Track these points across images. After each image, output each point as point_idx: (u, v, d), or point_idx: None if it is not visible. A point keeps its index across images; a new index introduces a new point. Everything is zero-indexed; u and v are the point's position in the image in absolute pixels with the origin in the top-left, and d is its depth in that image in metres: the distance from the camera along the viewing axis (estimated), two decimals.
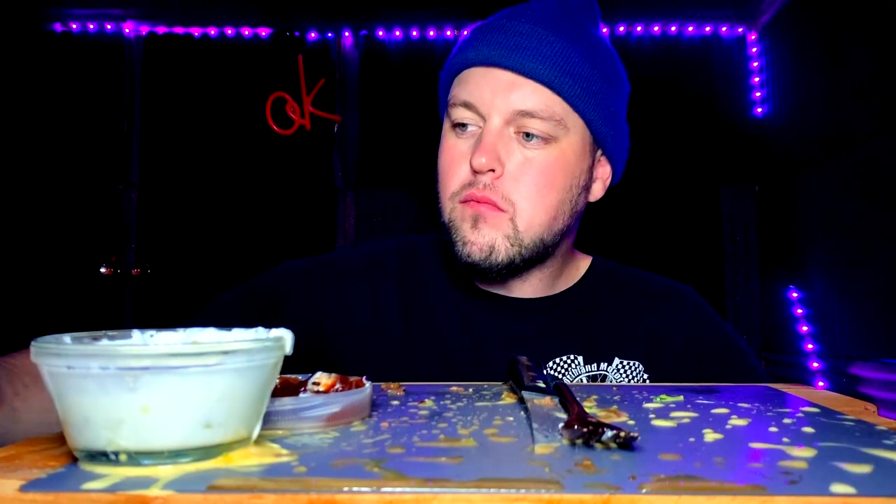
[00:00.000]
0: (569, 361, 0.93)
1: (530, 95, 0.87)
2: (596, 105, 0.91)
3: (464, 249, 0.88)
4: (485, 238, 0.88)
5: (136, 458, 0.41)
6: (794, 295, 2.98)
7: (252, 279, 1.00)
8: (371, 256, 1.03)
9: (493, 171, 0.86)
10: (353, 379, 0.59)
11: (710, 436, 0.49)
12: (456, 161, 0.91)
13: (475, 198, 0.87)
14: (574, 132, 0.90)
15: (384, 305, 0.98)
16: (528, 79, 0.87)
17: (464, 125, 0.90)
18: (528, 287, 0.97)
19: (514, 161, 0.87)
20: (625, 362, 0.94)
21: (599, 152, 0.95)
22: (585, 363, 0.93)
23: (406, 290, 0.99)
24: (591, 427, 0.45)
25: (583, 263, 1.04)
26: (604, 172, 0.98)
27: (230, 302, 0.97)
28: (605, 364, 0.94)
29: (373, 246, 1.06)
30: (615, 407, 0.61)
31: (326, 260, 1.03)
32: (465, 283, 0.98)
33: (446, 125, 0.94)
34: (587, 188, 0.95)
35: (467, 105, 0.89)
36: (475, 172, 0.87)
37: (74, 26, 3.47)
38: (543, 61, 0.87)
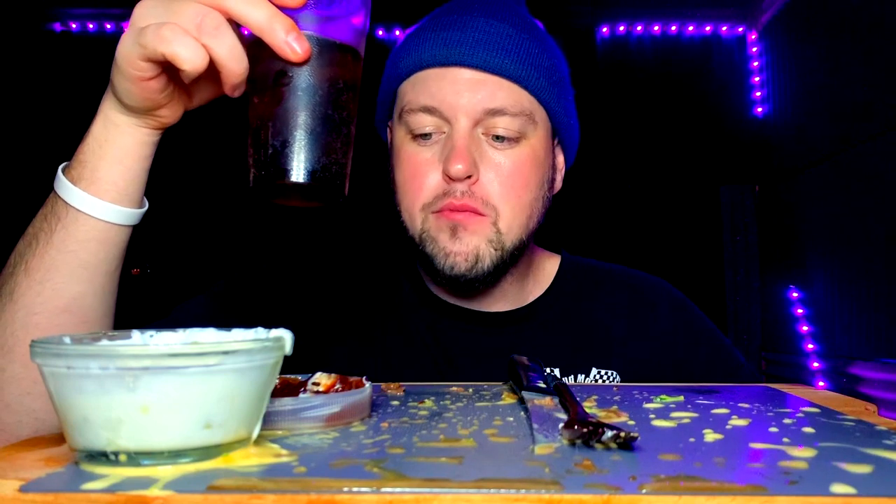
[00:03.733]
0: None
1: (498, 92, 0.83)
2: (557, 95, 0.88)
3: (446, 262, 0.84)
4: (468, 246, 0.83)
5: (135, 458, 0.41)
6: (794, 295, 2.98)
7: (214, 287, 0.96)
8: (338, 267, 0.99)
9: (469, 176, 0.82)
10: (352, 379, 0.59)
11: (710, 436, 0.49)
12: (422, 171, 0.85)
13: (453, 206, 0.83)
14: (541, 126, 0.87)
15: (351, 321, 0.94)
16: (492, 75, 0.83)
17: (427, 135, 0.84)
18: (500, 295, 0.93)
19: (488, 164, 0.84)
20: (602, 372, 0.92)
21: (556, 141, 0.93)
22: (562, 376, 0.91)
23: (375, 306, 0.96)
24: (591, 427, 0.45)
25: (549, 263, 1.00)
26: (560, 161, 0.95)
27: (192, 313, 0.92)
28: (583, 376, 0.92)
29: (341, 255, 1.02)
30: (615, 407, 0.61)
31: (293, 267, 0.99)
32: (434, 299, 0.95)
33: (399, 134, 0.88)
34: (552, 181, 0.93)
35: (429, 110, 0.84)
36: (451, 180, 0.82)
37: (74, 26, 3.47)
38: (508, 56, 0.83)
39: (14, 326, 0.64)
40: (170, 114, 0.64)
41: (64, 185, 0.64)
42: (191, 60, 0.53)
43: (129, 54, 0.56)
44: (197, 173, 3.39)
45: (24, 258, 0.65)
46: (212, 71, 0.55)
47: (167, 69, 0.58)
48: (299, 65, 0.55)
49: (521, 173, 0.85)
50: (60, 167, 0.66)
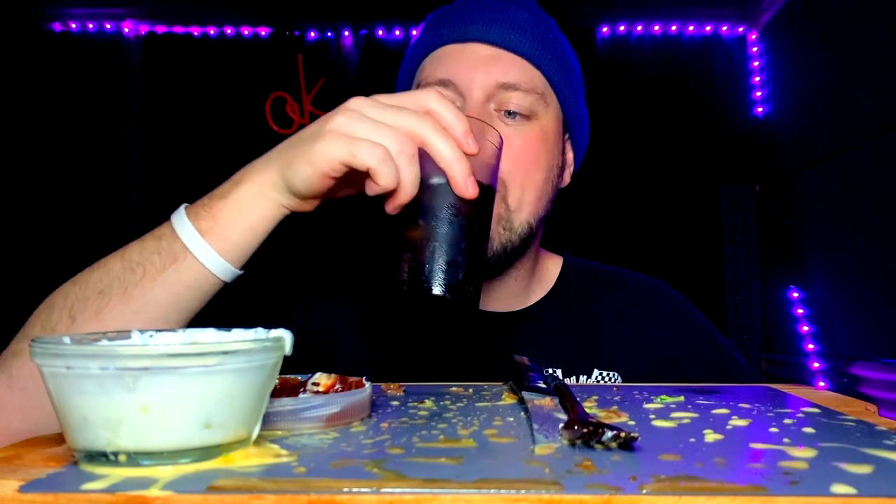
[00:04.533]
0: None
1: (511, 68, 0.85)
2: (569, 82, 0.90)
3: None
4: None
5: (135, 458, 0.41)
6: (795, 295, 2.98)
7: None
8: (338, 264, 1.00)
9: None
10: (352, 379, 0.59)
11: (710, 436, 0.49)
12: None
13: None
14: (552, 109, 0.89)
15: (351, 319, 0.95)
16: (507, 52, 0.86)
17: None
18: (504, 293, 0.94)
19: None
20: (604, 373, 0.92)
21: (567, 136, 0.94)
22: (564, 376, 0.91)
23: (376, 304, 0.96)
24: (591, 427, 0.45)
25: (553, 264, 1.01)
26: (570, 158, 0.97)
27: None
28: (585, 377, 0.92)
29: (341, 252, 1.03)
30: (615, 407, 0.61)
31: (292, 265, 0.99)
32: None
33: None
34: (561, 170, 0.94)
35: (444, 83, 0.86)
36: None
37: (73, 26, 3.47)
38: (523, 34, 0.86)
39: None
40: (315, 204, 0.69)
41: (190, 233, 0.66)
42: (387, 180, 0.61)
43: (333, 156, 0.62)
44: (197, 174, 3.40)
45: (124, 284, 0.67)
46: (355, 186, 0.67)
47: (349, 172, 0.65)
48: (465, 202, 0.64)
49: (531, 150, 0.86)
50: (184, 207, 0.69)
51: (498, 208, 0.84)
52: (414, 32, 3.47)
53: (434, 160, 0.63)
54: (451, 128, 0.63)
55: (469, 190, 0.62)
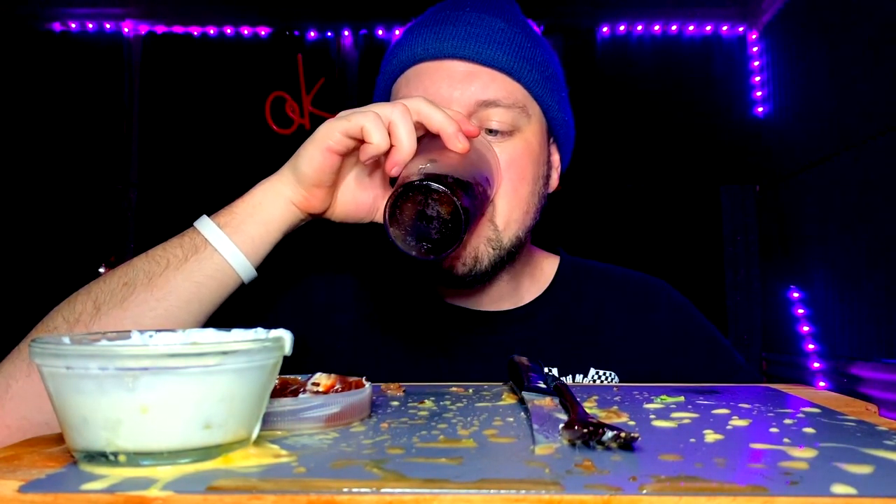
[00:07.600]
0: None
1: (490, 84, 0.83)
2: (551, 90, 0.89)
3: (443, 264, 0.83)
4: (466, 248, 0.83)
5: (135, 458, 0.41)
6: (795, 295, 2.98)
7: None
8: (335, 266, 0.99)
9: None
10: (352, 380, 0.59)
11: (710, 436, 0.49)
12: None
13: None
14: (535, 120, 0.87)
15: (349, 320, 0.94)
16: (485, 67, 0.84)
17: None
18: (497, 293, 0.93)
19: None
20: (600, 372, 0.92)
21: (551, 139, 0.93)
22: (560, 375, 0.90)
23: (373, 305, 0.96)
24: (591, 428, 0.45)
25: (548, 263, 1.00)
26: (556, 160, 0.95)
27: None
28: (581, 376, 0.91)
29: (338, 254, 1.02)
30: (615, 407, 0.61)
31: (291, 266, 0.99)
32: (434, 299, 0.95)
33: None
34: (547, 178, 0.93)
35: None
36: None
37: (73, 26, 3.47)
38: (500, 48, 0.84)
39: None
40: (321, 199, 0.76)
41: (209, 226, 0.74)
42: (378, 137, 0.69)
43: (332, 127, 0.71)
44: (197, 174, 3.40)
45: (149, 274, 0.72)
46: (362, 196, 0.77)
47: (345, 163, 0.74)
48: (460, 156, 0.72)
49: (517, 166, 0.85)
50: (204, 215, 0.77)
51: (486, 230, 0.83)
52: None
53: (426, 126, 0.71)
54: (440, 108, 0.72)
55: (460, 143, 0.71)
